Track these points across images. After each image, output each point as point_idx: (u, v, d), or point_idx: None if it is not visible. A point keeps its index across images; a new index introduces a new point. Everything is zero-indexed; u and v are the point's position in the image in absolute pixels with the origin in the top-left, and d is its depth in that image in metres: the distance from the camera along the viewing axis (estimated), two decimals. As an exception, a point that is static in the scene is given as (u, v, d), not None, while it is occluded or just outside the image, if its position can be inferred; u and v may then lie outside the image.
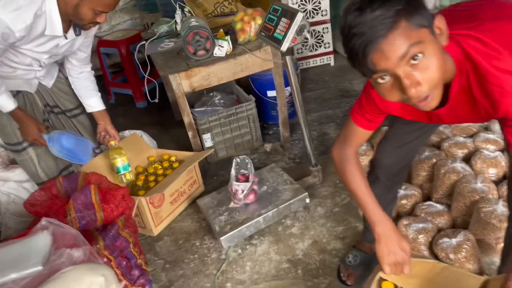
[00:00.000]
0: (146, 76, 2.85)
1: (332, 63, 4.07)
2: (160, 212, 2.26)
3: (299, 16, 1.83)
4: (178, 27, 3.02)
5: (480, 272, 1.68)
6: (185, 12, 3.05)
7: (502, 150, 2.02)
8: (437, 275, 1.45)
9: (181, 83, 2.43)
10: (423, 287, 1.33)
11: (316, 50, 4.00)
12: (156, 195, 2.16)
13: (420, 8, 0.86)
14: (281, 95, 2.73)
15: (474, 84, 0.98)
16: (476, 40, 0.97)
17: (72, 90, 2.22)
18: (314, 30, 3.87)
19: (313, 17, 3.81)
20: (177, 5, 3.05)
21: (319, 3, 3.75)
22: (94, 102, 2.26)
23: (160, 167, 2.46)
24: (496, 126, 2.19)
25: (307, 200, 2.23)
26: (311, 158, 2.35)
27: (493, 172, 1.92)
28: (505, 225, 1.65)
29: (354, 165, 1.32)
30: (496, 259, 1.74)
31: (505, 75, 0.92)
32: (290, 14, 1.86)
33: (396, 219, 1.96)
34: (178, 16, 3.03)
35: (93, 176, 1.97)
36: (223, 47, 2.43)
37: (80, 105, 2.28)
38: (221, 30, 2.59)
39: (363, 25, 0.84)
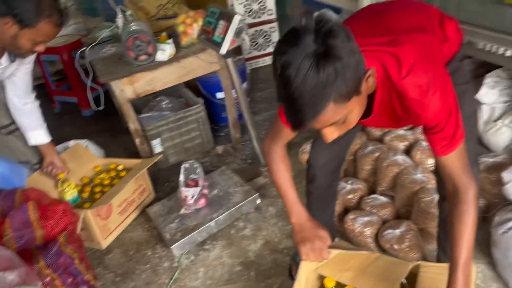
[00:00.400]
0: (89, 83, 2.76)
1: (281, 62, 4.11)
2: (108, 224, 2.19)
3: (236, 18, 1.82)
4: (121, 32, 2.94)
5: (423, 260, 1.75)
6: (126, 15, 2.97)
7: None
8: (370, 265, 1.49)
9: (124, 90, 2.37)
10: (358, 279, 1.36)
11: (264, 49, 4.02)
12: (102, 207, 2.10)
13: (350, 80, 0.86)
14: (229, 96, 2.72)
15: (395, 100, 1.03)
16: (393, 58, 0.99)
17: (5, 103, 2.10)
18: (261, 30, 3.89)
19: (259, 17, 3.82)
20: (118, 9, 2.97)
21: (265, 2, 3.77)
22: (39, 135, 2.13)
23: (107, 177, 2.39)
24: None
25: (258, 201, 2.24)
26: (260, 158, 2.36)
27: (431, 163, 1.99)
28: (443, 213, 1.72)
29: (280, 158, 1.34)
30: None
31: (421, 90, 0.97)
32: (228, 16, 1.86)
33: (343, 213, 2.00)
34: (119, 20, 2.94)
35: (32, 192, 1.88)
36: (165, 51, 2.38)
37: None
38: (164, 33, 2.54)
39: (295, 103, 0.86)
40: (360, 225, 1.86)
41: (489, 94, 1.93)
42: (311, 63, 0.82)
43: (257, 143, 2.30)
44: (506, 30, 1.70)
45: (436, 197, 1.77)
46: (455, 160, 1.06)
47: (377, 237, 1.84)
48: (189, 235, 2.04)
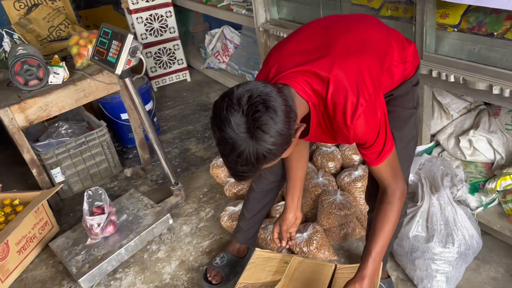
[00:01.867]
0: (-26, 113, 2.51)
1: (188, 79, 4.11)
2: (6, 265, 2.00)
3: (130, 38, 1.79)
4: (7, 56, 2.73)
5: (330, 258, 1.84)
6: (14, 39, 2.77)
7: (337, 145, 2.24)
8: (296, 270, 1.55)
9: (15, 118, 2.20)
10: (286, 285, 1.42)
11: (170, 67, 3.99)
12: (-4, 247, 1.91)
13: (283, 141, 0.95)
14: (134, 116, 2.65)
15: (327, 122, 1.10)
16: (323, 85, 1.04)
17: None
18: (165, 48, 3.86)
19: (161, 35, 3.79)
20: (4, 32, 2.76)
21: (166, 20, 3.75)
22: None
23: (1, 214, 2.18)
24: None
25: (170, 221, 2.19)
26: (170, 177, 2.32)
27: (331, 165, 2.12)
28: (343, 212, 1.84)
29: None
30: (344, 244, 1.92)
31: (347, 115, 1.03)
32: (120, 36, 1.82)
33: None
34: (6, 44, 2.73)
35: None
36: (58, 74, 2.26)
37: None
38: (56, 56, 2.42)
39: (232, 169, 0.98)
40: (271, 232, 1.91)
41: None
42: (246, 139, 0.91)
43: (166, 162, 2.26)
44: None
45: (336, 197, 1.88)
46: (384, 170, 1.17)
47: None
48: (98, 265, 1.93)
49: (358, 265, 1.39)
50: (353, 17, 1.25)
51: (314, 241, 1.82)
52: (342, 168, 2.16)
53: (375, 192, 1.30)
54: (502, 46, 1.49)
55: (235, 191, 2.28)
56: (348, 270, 1.57)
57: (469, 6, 1.59)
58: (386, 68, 1.17)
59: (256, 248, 1.76)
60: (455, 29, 1.63)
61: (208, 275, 1.85)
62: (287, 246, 1.62)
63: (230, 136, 0.92)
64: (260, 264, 1.67)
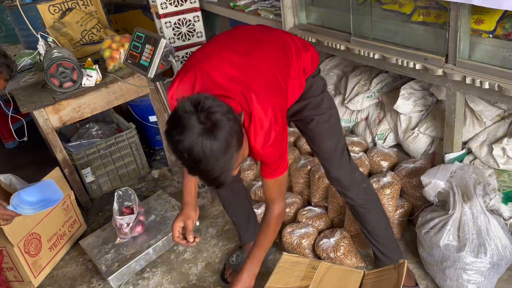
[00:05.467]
0: (10, 113, 2.60)
1: (214, 82, 4.14)
2: (38, 261, 2.06)
3: (163, 42, 1.83)
4: (43, 59, 2.82)
5: (358, 264, 1.83)
6: (49, 42, 2.86)
7: (365, 151, 2.23)
8: (324, 276, 1.55)
9: (49, 118, 2.27)
10: None
11: (196, 70, 4.02)
12: (30, 242, 1.97)
13: (238, 130, 1.10)
14: (163, 119, 2.70)
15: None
16: (247, 116, 1.21)
17: None
18: (192, 52, 3.90)
19: (189, 39, 3.83)
20: (39, 35, 2.85)
21: (193, 25, 3.80)
22: None
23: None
24: (360, 128, 2.41)
25: (197, 223, 2.22)
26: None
27: (359, 172, 2.10)
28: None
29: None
30: (370, 251, 1.91)
31: (259, 142, 1.22)
32: (154, 40, 1.86)
33: (281, 228, 2.03)
34: (41, 47, 2.82)
35: None
36: (92, 76, 2.33)
37: None
38: (89, 59, 2.49)
39: (211, 174, 1.06)
40: (297, 237, 1.91)
41: (405, 105, 2.08)
42: (209, 138, 1.00)
43: (193, 164, 2.29)
44: (412, 45, 1.86)
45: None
46: (272, 186, 1.39)
47: (314, 247, 1.90)
48: (127, 265, 1.98)
49: (384, 268, 1.47)
50: (254, 42, 1.38)
51: (341, 247, 1.81)
52: (370, 174, 2.15)
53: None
54: (539, 53, 1.46)
55: (261, 194, 2.29)
56: (375, 275, 1.55)
57: (505, 11, 1.56)
58: (289, 89, 1.37)
59: (283, 252, 1.76)
60: (490, 35, 1.60)
61: (225, 273, 1.92)
62: (194, 243, 1.60)
63: (193, 137, 1.01)
64: (288, 268, 1.67)
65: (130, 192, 2.14)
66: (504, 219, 1.66)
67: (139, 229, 2.11)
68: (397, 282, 1.45)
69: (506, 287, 1.65)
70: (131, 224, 2.06)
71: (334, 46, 2.21)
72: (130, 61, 2.00)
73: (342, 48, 2.16)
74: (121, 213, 2.12)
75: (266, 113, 1.21)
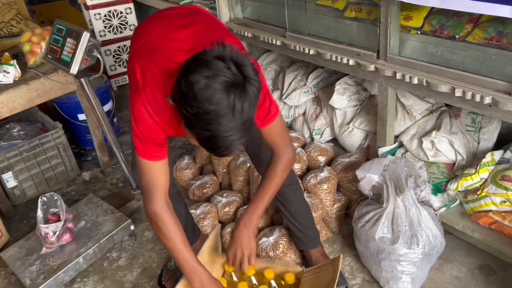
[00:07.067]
0: None
1: (150, 78, 3.98)
2: (-50, 279, 1.86)
3: (86, 35, 1.69)
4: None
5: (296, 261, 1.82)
6: (-41, 35, 2.59)
7: (303, 146, 2.23)
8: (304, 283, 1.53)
9: (-41, 120, 2.04)
10: None
11: (130, 65, 3.85)
12: None
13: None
14: (92, 117, 2.53)
15: None
16: None
17: None
18: (125, 46, 3.73)
19: (121, 32, 3.66)
20: None
21: (125, 17, 3.62)
22: None
23: None
24: (297, 123, 2.41)
25: (132, 227, 2.11)
26: (131, 181, 2.23)
27: (297, 167, 2.10)
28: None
29: (165, 217, 1.27)
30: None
31: None
32: (76, 33, 1.72)
33: (221, 227, 1.98)
34: (-50, 40, 2.55)
35: None
36: (9, 72, 2.12)
37: None
38: (6, 53, 2.27)
39: (242, 127, 0.96)
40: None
41: (340, 100, 2.10)
42: (240, 95, 0.92)
43: (126, 165, 2.17)
44: (346, 41, 1.88)
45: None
46: (273, 130, 1.31)
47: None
48: (54, 276, 1.83)
49: (321, 265, 1.53)
50: (186, 17, 1.32)
51: (280, 245, 1.79)
52: (308, 169, 2.15)
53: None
54: (463, 48, 1.51)
55: (200, 194, 2.22)
56: (313, 272, 1.55)
57: (432, 8, 1.60)
58: None
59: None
60: (418, 32, 1.64)
61: (162, 278, 1.84)
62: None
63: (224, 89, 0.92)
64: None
65: (56, 197, 1.98)
66: (434, 210, 1.73)
67: (67, 237, 1.97)
68: (333, 277, 1.46)
69: (437, 275, 1.71)
70: (58, 232, 1.91)
71: (270, 41, 2.18)
72: (50, 56, 1.84)
73: (278, 43, 2.14)
74: (47, 221, 1.96)
75: None
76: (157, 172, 1.25)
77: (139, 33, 1.31)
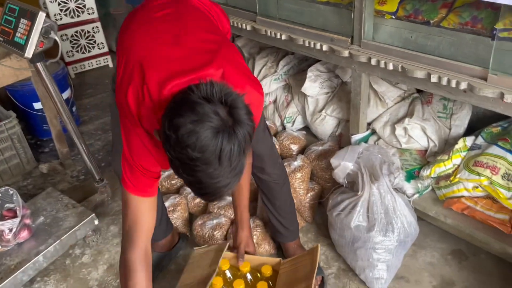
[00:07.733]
0: None
1: (110, 65, 3.80)
2: None
3: (41, 16, 1.55)
4: None
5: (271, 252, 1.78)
6: None
7: (275, 135, 2.18)
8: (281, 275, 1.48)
9: None
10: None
11: (89, 51, 3.66)
12: None
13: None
14: (49, 106, 2.37)
15: None
16: None
17: None
18: (83, 30, 3.53)
19: (78, 16, 3.46)
20: None
21: (83, 0, 3.42)
22: None
23: None
24: (268, 111, 2.36)
25: (96, 222, 1.99)
26: (94, 173, 2.11)
27: (270, 156, 2.05)
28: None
29: (135, 279, 1.15)
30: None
31: None
32: (30, 14, 1.57)
33: (191, 220, 1.91)
34: None
35: None
36: (-47, 57, 1.93)
37: None
38: (-50, 35, 2.06)
39: (230, 174, 0.89)
40: (209, 229, 1.80)
41: (312, 87, 2.06)
42: (229, 140, 0.84)
43: (88, 156, 2.04)
44: (319, 26, 1.83)
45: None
46: None
47: (227, 239, 1.81)
48: (12, 276, 1.69)
49: (298, 256, 1.53)
50: (176, 24, 1.21)
51: (255, 236, 1.74)
52: (281, 158, 2.10)
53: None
54: (438, 34, 1.50)
55: (168, 185, 2.13)
56: (291, 263, 1.52)
57: (406, -7, 1.58)
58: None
59: (194, 248, 1.65)
60: (393, 17, 1.61)
61: None
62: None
63: (208, 130, 0.84)
64: (198, 261, 1.57)
65: (11, 192, 1.83)
66: (408, 197, 1.73)
67: (24, 234, 1.83)
68: (311, 267, 1.43)
69: (411, 262, 1.72)
70: (14, 230, 1.77)
71: (240, 26, 2.10)
72: (2, 39, 1.68)
73: (248, 28, 2.07)
74: (2, 217, 1.81)
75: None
76: (145, 210, 1.13)
77: (124, 47, 1.18)
